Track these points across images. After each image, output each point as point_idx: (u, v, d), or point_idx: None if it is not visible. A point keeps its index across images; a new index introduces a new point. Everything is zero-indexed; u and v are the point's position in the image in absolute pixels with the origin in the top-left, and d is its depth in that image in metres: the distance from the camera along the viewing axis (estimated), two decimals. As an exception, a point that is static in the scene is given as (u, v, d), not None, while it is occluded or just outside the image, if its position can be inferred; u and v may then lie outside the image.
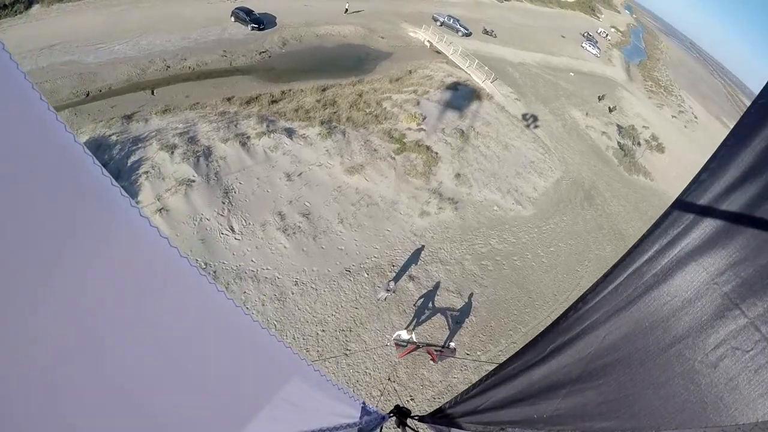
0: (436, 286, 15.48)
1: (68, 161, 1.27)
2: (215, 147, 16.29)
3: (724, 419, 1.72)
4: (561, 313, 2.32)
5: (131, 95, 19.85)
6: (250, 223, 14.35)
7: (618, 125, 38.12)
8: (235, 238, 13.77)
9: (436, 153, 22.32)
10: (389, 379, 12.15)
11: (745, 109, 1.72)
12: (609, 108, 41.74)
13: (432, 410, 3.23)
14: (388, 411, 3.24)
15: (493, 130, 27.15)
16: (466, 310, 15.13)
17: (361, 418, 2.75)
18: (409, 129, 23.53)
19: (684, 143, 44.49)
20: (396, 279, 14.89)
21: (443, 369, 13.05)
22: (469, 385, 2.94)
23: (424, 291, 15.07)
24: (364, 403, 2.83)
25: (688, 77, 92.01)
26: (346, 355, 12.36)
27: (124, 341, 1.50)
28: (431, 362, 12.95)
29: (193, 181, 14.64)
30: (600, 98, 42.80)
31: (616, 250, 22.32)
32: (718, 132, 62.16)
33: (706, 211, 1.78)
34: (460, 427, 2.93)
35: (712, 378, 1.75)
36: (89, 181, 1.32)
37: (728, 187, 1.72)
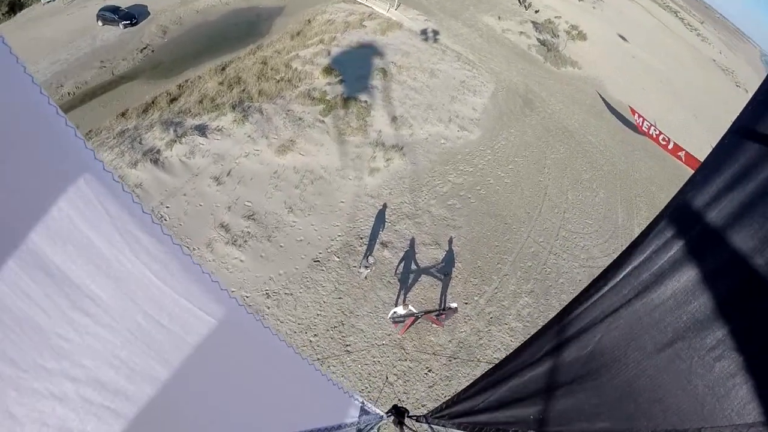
0: (412, 244, 14.55)
1: (69, 155, 1.28)
2: (126, 176, 13.90)
3: (720, 419, 1.70)
4: (557, 313, 2.27)
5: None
6: (194, 249, 12.55)
7: (533, 22, 37.23)
8: (182, 269, 12.04)
9: (365, 101, 20.65)
10: (386, 379, 11.33)
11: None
12: (525, 5, 40.53)
13: (431, 409, 3.23)
14: (386, 411, 3.24)
15: (414, 59, 25.51)
16: (449, 259, 14.38)
17: (359, 417, 2.79)
18: (329, 84, 21.52)
19: (598, 24, 44.52)
20: (369, 251, 13.81)
21: (449, 328, 12.41)
22: (468, 383, 2.96)
23: (402, 254, 14.11)
24: (363, 402, 2.86)
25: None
26: (348, 351, 11.39)
27: (125, 337, 1.50)
28: (435, 326, 12.27)
29: (110, 221, 12.52)
30: (521, 1, 41.25)
31: (569, 148, 22.14)
32: (624, 5, 62.95)
33: (703, 212, 1.72)
34: (457, 427, 2.93)
35: (709, 378, 1.73)
36: (91, 177, 1.32)
37: (725, 187, 1.67)
